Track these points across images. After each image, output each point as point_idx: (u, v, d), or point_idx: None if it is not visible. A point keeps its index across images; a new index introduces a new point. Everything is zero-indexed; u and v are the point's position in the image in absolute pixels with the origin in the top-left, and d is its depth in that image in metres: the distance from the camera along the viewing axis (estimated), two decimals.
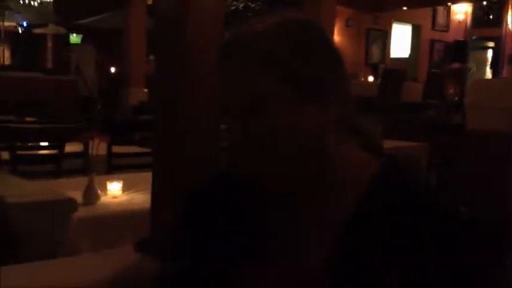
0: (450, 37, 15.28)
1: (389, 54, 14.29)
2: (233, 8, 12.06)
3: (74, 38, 13.37)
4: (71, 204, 2.48)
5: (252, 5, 12.73)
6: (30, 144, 4.26)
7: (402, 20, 14.43)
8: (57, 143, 4.14)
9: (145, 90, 9.50)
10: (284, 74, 0.96)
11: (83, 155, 4.13)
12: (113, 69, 14.20)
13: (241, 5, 12.63)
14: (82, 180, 2.99)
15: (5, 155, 4.06)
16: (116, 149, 4.27)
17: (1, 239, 2.25)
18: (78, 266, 1.72)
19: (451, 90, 11.04)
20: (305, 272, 0.99)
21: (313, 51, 0.99)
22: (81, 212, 2.56)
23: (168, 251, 1.20)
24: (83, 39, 12.77)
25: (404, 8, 13.26)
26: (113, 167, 4.21)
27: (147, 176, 3.26)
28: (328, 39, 1.03)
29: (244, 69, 0.97)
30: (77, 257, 2.20)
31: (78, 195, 2.67)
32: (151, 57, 12.57)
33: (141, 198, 2.88)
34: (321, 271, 0.96)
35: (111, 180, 2.99)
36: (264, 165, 0.98)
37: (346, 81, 1.03)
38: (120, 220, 2.66)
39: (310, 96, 0.98)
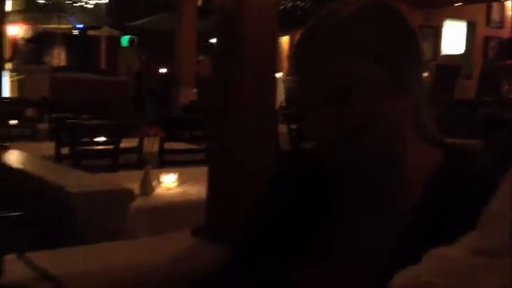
0: (505, 34, 14.85)
1: (440, 51, 14.01)
2: (282, 7, 12.11)
3: (124, 40, 13.73)
4: (129, 194, 2.59)
5: (301, 4, 12.75)
6: (88, 140, 4.43)
7: (455, 16, 14.12)
8: (113, 138, 4.30)
9: (195, 90, 9.68)
10: (376, 57, 0.95)
11: (137, 150, 4.27)
12: (163, 70, 14.50)
13: (289, 4, 12.67)
14: (137, 174, 3.11)
15: (65, 151, 4.25)
16: (167, 145, 4.40)
17: (65, 228, 2.37)
18: (136, 248, 1.80)
19: (506, 87, 10.74)
20: (365, 266, 0.98)
21: (398, 34, 0.98)
22: (138, 202, 2.66)
23: (224, 238, 1.21)
24: (130, 41, 13.11)
25: (458, 4, 12.98)
26: (165, 163, 4.33)
27: (198, 171, 3.38)
28: (409, 23, 1.01)
29: (338, 53, 0.95)
30: (136, 240, 2.30)
31: (134, 187, 2.78)
32: (201, 57, 12.75)
33: (193, 191, 2.97)
34: (382, 266, 0.94)
35: (165, 173, 3.10)
36: (349, 152, 0.96)
37: (422, 66, 1.02)
38: (174, 210, 2.75)
39: (397, 81, 0.96)
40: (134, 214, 2.59)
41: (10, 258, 1.40)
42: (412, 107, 0.98)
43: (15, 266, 1.39)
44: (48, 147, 4.38)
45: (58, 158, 4.27)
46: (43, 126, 6.24)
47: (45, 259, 1.42)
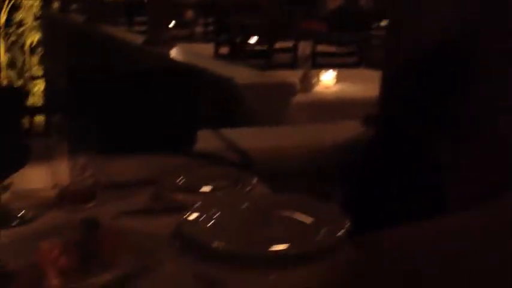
0: None
1: None
2: None
3: None
4: (292, 88, 2.69)
5: None
6: (244, 39, 4.59)
7: None
8: (268, 38, 4.41)
9: None
10: None
11: (292, 50, 4.35)
12: None
13: None
14: (295, 72, 3.21)
15: (223, 50, 4.46)
16: (319, 48, 4.44)
17: (233, 117, 2.54)
18: (303, 132, 1.90)
19: None
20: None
21: None
22: (299, 98, 2.77)
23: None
24: None
25: None
26: (317, 65, 4.39)
27: (355, 72, 3.41)
28: None
29: None
30: (303, 125, 2.41)
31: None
32: None
33: (351, 89, 3.03)
34: None
35: (324, 72, 3.16)
36: None
37: None
38: (333, 107, 2.83)
39: None
40: (295, 108, 2.71)
41: (204, 132, 1.57)
42: None
43: (208, 138, 1.56)
44: (206, 48, 4.62)
45: (217, 57, 4.50)
46: (200, 28, 6.54)
47: (235, 134, 1.57)
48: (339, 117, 2.70)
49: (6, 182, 1.04)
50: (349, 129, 1.84)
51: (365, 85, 2.80)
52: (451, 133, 1.07)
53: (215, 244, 0.92)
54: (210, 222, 1.02)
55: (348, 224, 0.98)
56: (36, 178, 1.19)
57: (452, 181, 1.05)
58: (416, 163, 1.10)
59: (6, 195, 1.05)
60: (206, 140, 1.55)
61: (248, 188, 1.22)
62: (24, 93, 1.25)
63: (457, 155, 1.05)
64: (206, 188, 1.21)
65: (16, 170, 1.05)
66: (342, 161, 1.55)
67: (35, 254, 0.80)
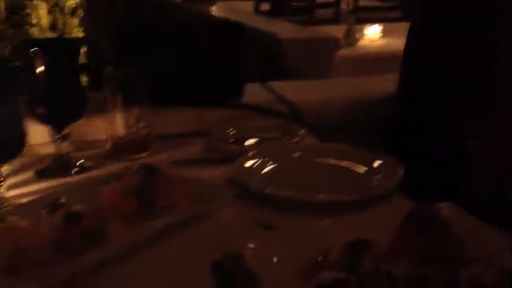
0: None
1: None
2: None
3: None
4: (336, 42, 2.65)
5: None
6: None
7: None
8: None
9: None
10: None
11: (335, 4, 4.27)
12: None
13: None
14: (338, 27, 3.16)
15: (264, 7, 4.41)
16: (362, 3, 4.34)
17: (278, 72, 2.53)
18: (348, 85, 1.88)
19: None
20: None
21: None
22: (343, 52, 2.73)
23: None
24: None
25: None
26: (360, 20, 4.30)
27: (399, 26, 3.31)
28: None
29: None
30: (348, 78, 2.38)
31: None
32: None
33: (395, 43, 2.96)
34: None
35: (368, 26, 3.10)
36: None
37: None
38: (377, 61, 2.78)
39: None
40: (339, 63, 2.67)
41: (253, 85, 1.57)
42: None
43: (256, 91, 1.56)
44: (246, 5, 4.57)
45: (258, 14, 4.45)
46: None
47: (282, 88, 1.57)
48: (383, 71, 2.66)
49: (64, 132, 1.07)
50: (394, 81, 1.82)
51: None
52: (478, 96, 1.07)
53: (270, 191, 0.94)
54: (263, 170, 1.04)
55: (402, 172, 0.98)
56: (92, 130, 1.23)
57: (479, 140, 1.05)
58: (447, 123, 1.10)
59: (64, 146, 1.08)
60: (254, 93, 1.55)
61: (297, 139, 1.23)
62: (79, 44, 1.27)
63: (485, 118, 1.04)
64: (256, 139, 1.22)
65: (73, 121, 1.08)
66: (385, 113, 1.55)
67: (97, 198, 0.83)
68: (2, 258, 0.67)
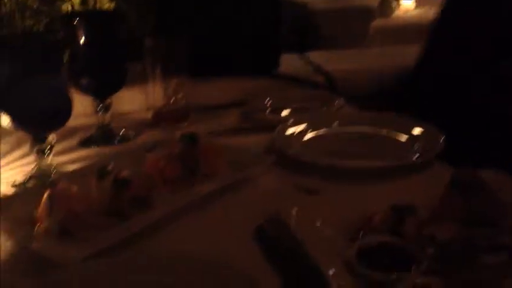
0: None
1: None
2: None
3: None
4: (370, 12, 2.62)
5: None
6: None
7: None
8: None
9: None
10: None
11: None
12: None
13: None
14: None
15: None
16: None
17: (312, 42, 2.51)
18: (384, 54, 1.86)
19: None
20: None
21: None
22: (377, 22, 2.69)
23: None
24: None
25: None
26: None
27: None
28: None
29: None
30: (384, 47, 2.36)
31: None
32: None
33: (431, 12, 2.89)
34: None
35: None
36: None
37: None
38: (412, 31, 2.73)
39: None
40: (373, 33, 2.64)
41: (289, 55, 1.57)
42: None
43: (292, 61, 1.56)
44: None
45: None
46: None
47: (318, 58, 1.57)
48: (418, 41, 2.61)
49: (106, 103, 1.09)
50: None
51: None
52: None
53: (311, 158, 0.94)
54: (303, 138, 1.05)
55: (442, 139, 0.97)
56: (132, 101, 1.25)
57: None
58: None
59: (107, 116, 1.10)
60: (290, 63, 1.55)
61: (335, 108, 1.22)
62: (119, 16, 1.28)
63: None
64: (293, 109, 1.22)
65: (114, 91, 1.10)
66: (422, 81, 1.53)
67: (143, 165, 0.85)
68: (55, 222, 0.70)
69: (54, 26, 1.57)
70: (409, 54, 1.91)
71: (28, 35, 1.27)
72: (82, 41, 1.04)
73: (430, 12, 2.97)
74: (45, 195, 0.72)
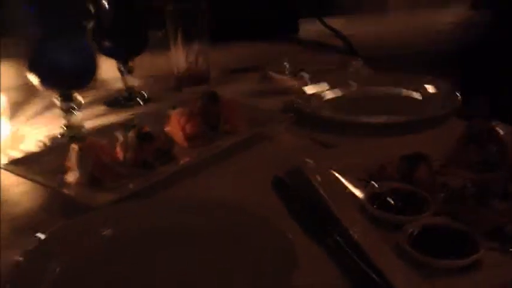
0: None
1: None
2: None
3: None
4: None
5: None
6: None
7: None
8: None
9: None
10: None
11: None
12: None
13: None
14: None
15: None
16: None
17: (331, 6, 2.48)
18: (394, 18, 1.85)
19: None
20: None
21: None
22: None
23: None
24: None
25: None
26: None
27: None
28: None
29: None
30: (395, 13, 2.33)
31: None
32: None
33: None
34: None
35: None
36: None
37: None
38: None
39: None
40: None
41: (307, 20, 1.58)
42: None
43: (311, 26, 1.57)
44: None
45: None
46: None
47: (337, 22, 1.57)
48: (438, 6, 2.58)
49: (129, 66, 1.13)
50: (457, 14, 1.79)
51: None
52: None
53: (328, 113, 0.97)
54: (322, 98, 1.07)
55: (457, 96, 0.99)
56: (155, 65, 1.28)
57: None
58: None
59: (131, 79, 1.14)
60: (309, 27, 1.57)
61: (353, 70, 1.24)
62: None
63: None
64: (312, 71, 1.24)
65: (136, 54, 1.13)
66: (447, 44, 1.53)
67: (165, 121, 0.89)
68: (86, 172, 0.74)
69: None
70: (428, 18, 1.91)
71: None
72: (106, 5, 1.07)
73: None
74: (76, 148, 0.76)
